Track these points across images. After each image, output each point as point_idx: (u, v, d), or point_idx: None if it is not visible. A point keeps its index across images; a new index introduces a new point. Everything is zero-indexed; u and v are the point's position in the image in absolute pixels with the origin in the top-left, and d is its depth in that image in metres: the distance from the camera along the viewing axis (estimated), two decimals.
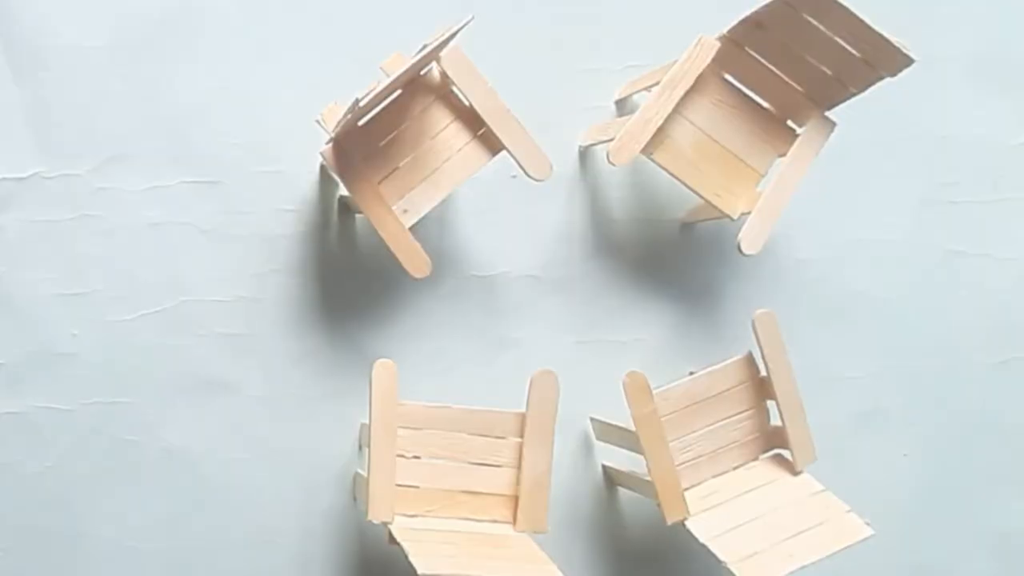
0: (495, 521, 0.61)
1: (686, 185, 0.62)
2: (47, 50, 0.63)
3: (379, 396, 0.59)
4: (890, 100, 0.74)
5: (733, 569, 0.59)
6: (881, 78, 0.59)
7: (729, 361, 0.63)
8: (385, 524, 0.59)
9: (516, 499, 0.61)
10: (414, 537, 0.58)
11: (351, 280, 0.67)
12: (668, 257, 0.69)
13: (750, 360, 0.63)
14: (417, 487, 0.61)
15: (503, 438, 0.61)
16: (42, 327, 0.63)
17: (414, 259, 0.60)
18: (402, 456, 0.60)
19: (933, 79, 0.76)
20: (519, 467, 0.61)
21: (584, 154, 0.69)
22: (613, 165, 0.60)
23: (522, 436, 0.61)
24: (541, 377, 0.61)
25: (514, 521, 0.61)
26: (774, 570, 0.59)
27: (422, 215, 0.60)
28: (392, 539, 0.58)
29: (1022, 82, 0.77)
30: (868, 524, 0.61)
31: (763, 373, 0.63)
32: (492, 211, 0.68)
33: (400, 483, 0.60)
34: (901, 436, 0.73)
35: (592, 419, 0.68)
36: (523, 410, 0.62)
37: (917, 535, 0.73)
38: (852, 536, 0.61)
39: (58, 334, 0.64)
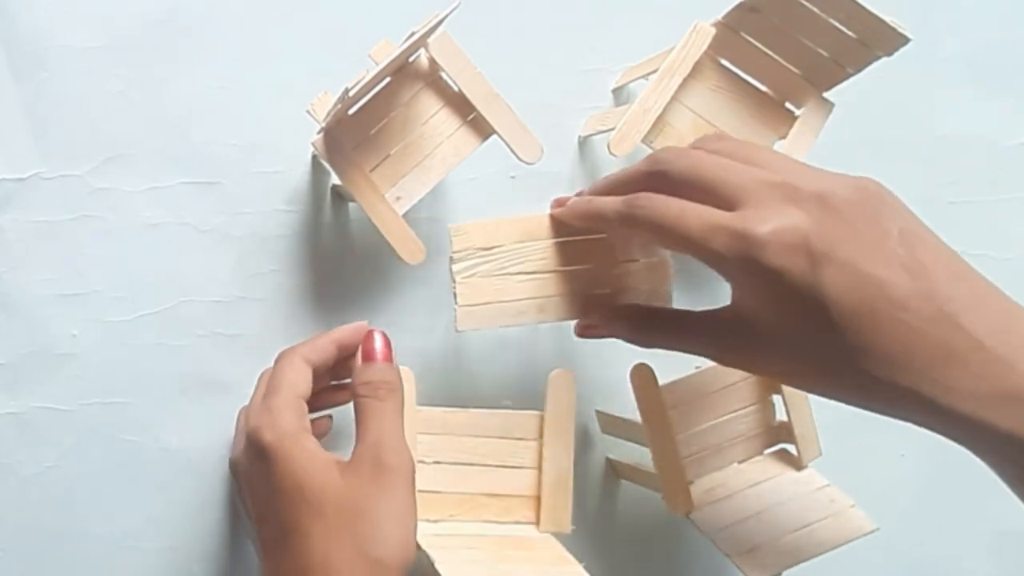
0: (519, 523, 0.60)
1: None
2: (47, 50, 0.63)
3: None
4: (889, 99, 0.74)
5: (736, 563, 0.58)
6: (877, 58, 0.59)
7: None
8: None
9: (538, 500, 0.60)
10: (439, 543, 0.57)
11: (351, 280, 0.66)
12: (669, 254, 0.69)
13: None
14: (439, 492, 0.59)
15: (522, 439, 0.60)
16: (42, 327, 0.63)
17: (408, 245, 0.59)
18: (422, 462, 0.59)
19: (933, 79, 0.76)
20: (539, 468, 0.61)
21: (583, 144, 0.69)
22: (614, 156, 0.60)
23: (541, 437, 0.61)
24: (558, 377, 0.60)
25: (537, 522, 0.61)
26: (778, 564, 0.58)
27: (415, 201, 0.60)
28: (416, 545, 0.58)
29: (1022, 82, 0.77)
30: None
31: None
32: (491, 211, 0.68)
33: (422, 489, 0.58)
34: (899, 436, 0.72)
35: (597, 411, 0.67)
36: (540, 411, 0.61)
37: (915, 535, 0.73)
38: (857, 531, 0.60)
39: (58, 334, 0.63)
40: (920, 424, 0.49)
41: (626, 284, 0.61)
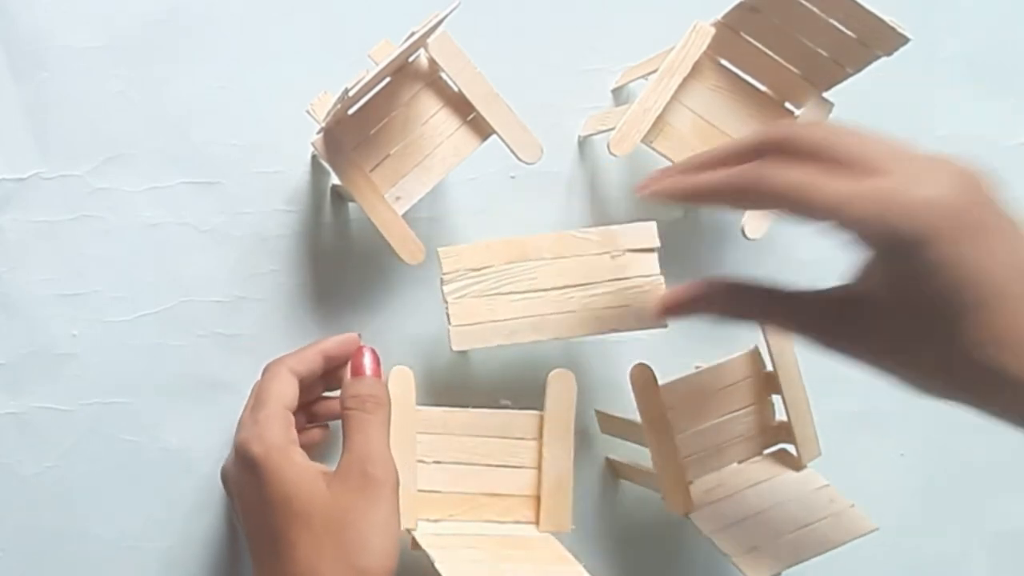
0: (518, 522, 0.60)
1: None
2: (47, 51, 0.63)
3: (397, 403, 0.58)
4: (889, 99, 0.74)
5: (736, 562, 0.58)
6: (877, 57, 0.59)
7: (736, 355, 0.63)
8: (409, 531, 0.59)
9: (538, 499, 0.60)
10: (438, 543, 0.57)
11: (351, 280, 0.66)
12: (668, 254, 0.69)
13: (756, 355, 0.63)
14: (439, 492, 0.60)
15: (522, 439, 0.60)
16: (42, 327, 0.63)
17: (408, 246, 0.59)
18: (422, 462, 0.59)
19: (933, 79, 0.76)
20: (539, 468, 0.61)
21: (583, 144, 0.69)
22: (614, 155, 0.60)
23: (541, 437, 0.61)
24: (558, 377, 0.60)
25: (537, 522, 0.61)
26: (778, 564, 0.58)
27: (415, 201, 0.60)
28: (416, 544, 0.58)
29: (1022, 82, 0.77)
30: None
31: (768, 368, 0.63)
32: (491, 211, 0.68)
33: (422, 488, 0.59)
34: (898, 436, 0.72)
35: (597, 411, 0.67)
36: (540, 411, 0.61)
37: (915, 535, 0.73)
38: (857, 530, 0.60)
39: (58, 334, 0.63)
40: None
41: (619, 302, 0.61)
